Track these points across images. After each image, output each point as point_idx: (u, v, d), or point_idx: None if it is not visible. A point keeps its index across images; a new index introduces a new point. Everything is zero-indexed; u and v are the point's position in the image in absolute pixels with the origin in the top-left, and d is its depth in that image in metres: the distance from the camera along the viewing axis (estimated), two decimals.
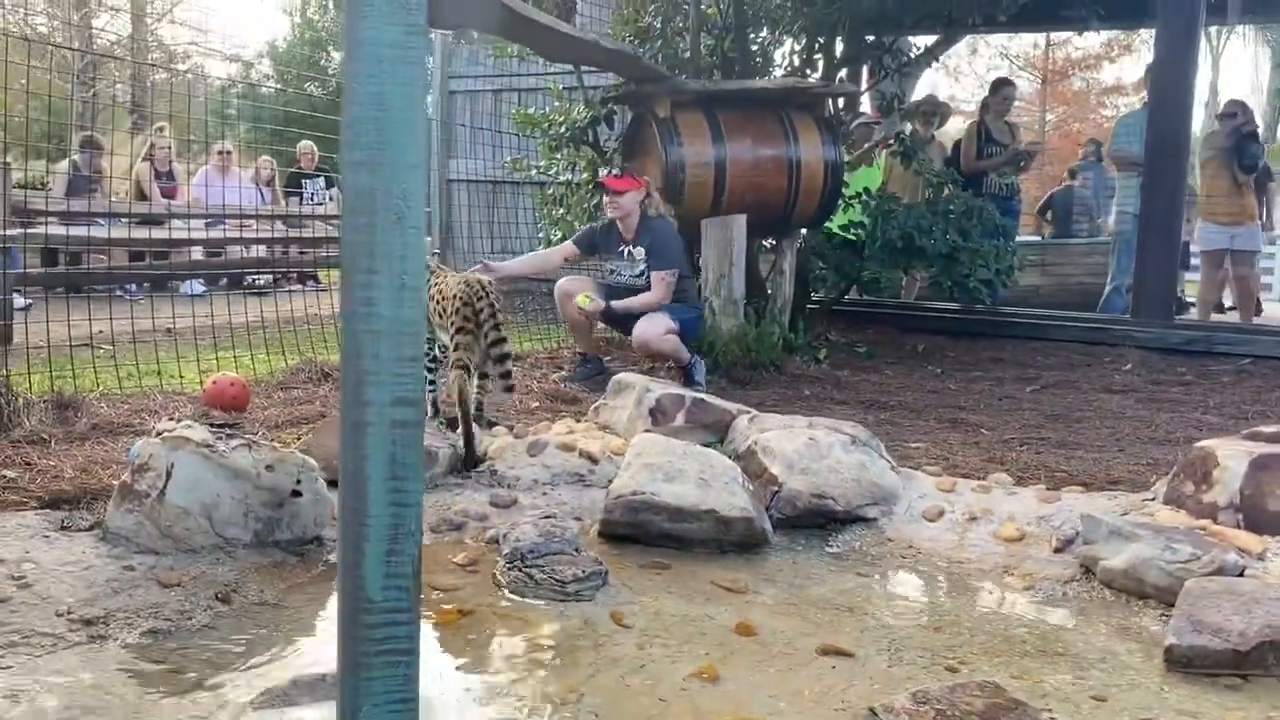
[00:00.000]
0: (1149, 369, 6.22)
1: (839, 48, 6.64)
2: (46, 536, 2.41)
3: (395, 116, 1.27)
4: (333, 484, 2.71)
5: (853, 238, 6.62)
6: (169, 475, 2.48)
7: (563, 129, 6.04)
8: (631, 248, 5.00)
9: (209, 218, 9.42)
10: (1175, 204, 6.93)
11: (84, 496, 2.62)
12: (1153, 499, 2.90)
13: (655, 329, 4.83)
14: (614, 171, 5.10)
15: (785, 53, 6.99)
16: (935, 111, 8.02)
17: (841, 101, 6.68)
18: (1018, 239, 12.98)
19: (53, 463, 2.91)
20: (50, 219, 8.27)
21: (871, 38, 6.70)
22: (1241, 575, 2.41)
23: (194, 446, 2.51)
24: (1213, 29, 23.53)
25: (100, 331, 5.74)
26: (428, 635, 2.26)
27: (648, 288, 4.95)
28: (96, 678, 1.93)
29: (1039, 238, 12.88)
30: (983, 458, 3.65)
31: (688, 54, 6.30)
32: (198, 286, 9.59)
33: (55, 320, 5.32)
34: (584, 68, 6.13)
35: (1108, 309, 8.06)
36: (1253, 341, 6.62)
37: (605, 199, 4.97)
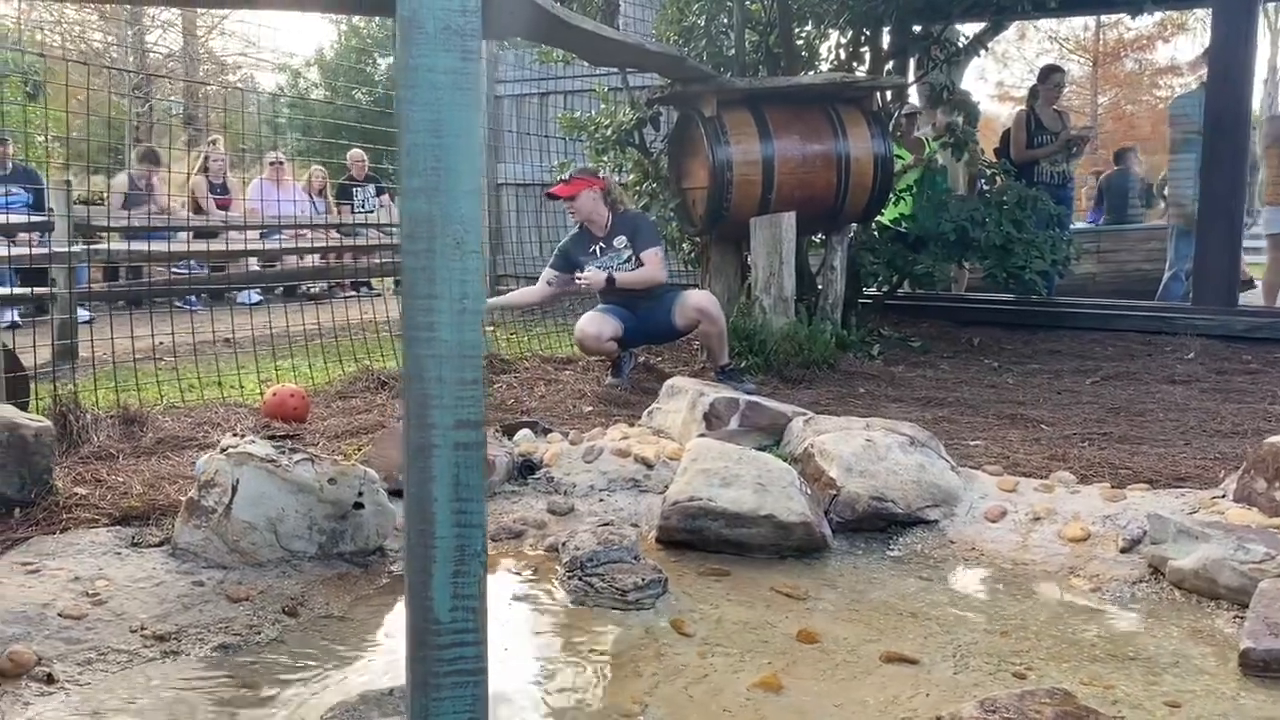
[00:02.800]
0: (1212, 358, 6.08)
1: (885, 40, 6.57)
2: (119, 553, 2.46)
3: (452, 143, 1.28)
4: (393, 494, 2.75)
5: (904, 231, 6.55)
6: (234, 490, 2.52)
7: (609, 132, 6.05)
8: (608, 242, 4.99)
9: (266, 229, 9.58)
10: (1235, 186, 6.77)
11: (153, 512, 2.67)
12: (1222, 496, 2.83)
13: (708, 296, 4.91)
14: (560, 179, 5.12)
15: (831, 46, 6.94)
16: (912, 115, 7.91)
17: (889, 94, 6.61)
18: (1073, 227, 12.84)
19: (121, 479, 2.97)
20: (112, 234, 8.45)
21: (918, 28, 6.62)
22: None
23: (258, 462, 2.55)
24: (1271, 5, 22.94)
25: (161, 343, 5.87)
26: (492, 646, 2.28)
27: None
28: (172, 694, 1.97)
29: (1093, 224, 12.65)
30: (1044, 455, 3.59)
31: (732, 51, 6.27)
32: (254, 296, 9.76)
33: (118, 335, 5.46)
34: (628, 69, 6.13)
35: (1166, 296, 7.90)
36: None
37: (566, 206, 4.99)
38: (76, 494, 2.77)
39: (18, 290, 6.23)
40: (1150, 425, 4.26)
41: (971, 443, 3.85)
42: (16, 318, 7.78)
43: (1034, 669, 2.18)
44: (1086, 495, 2.98)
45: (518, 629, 2.36)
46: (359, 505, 2.66)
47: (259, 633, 2.25)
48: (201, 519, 2.51)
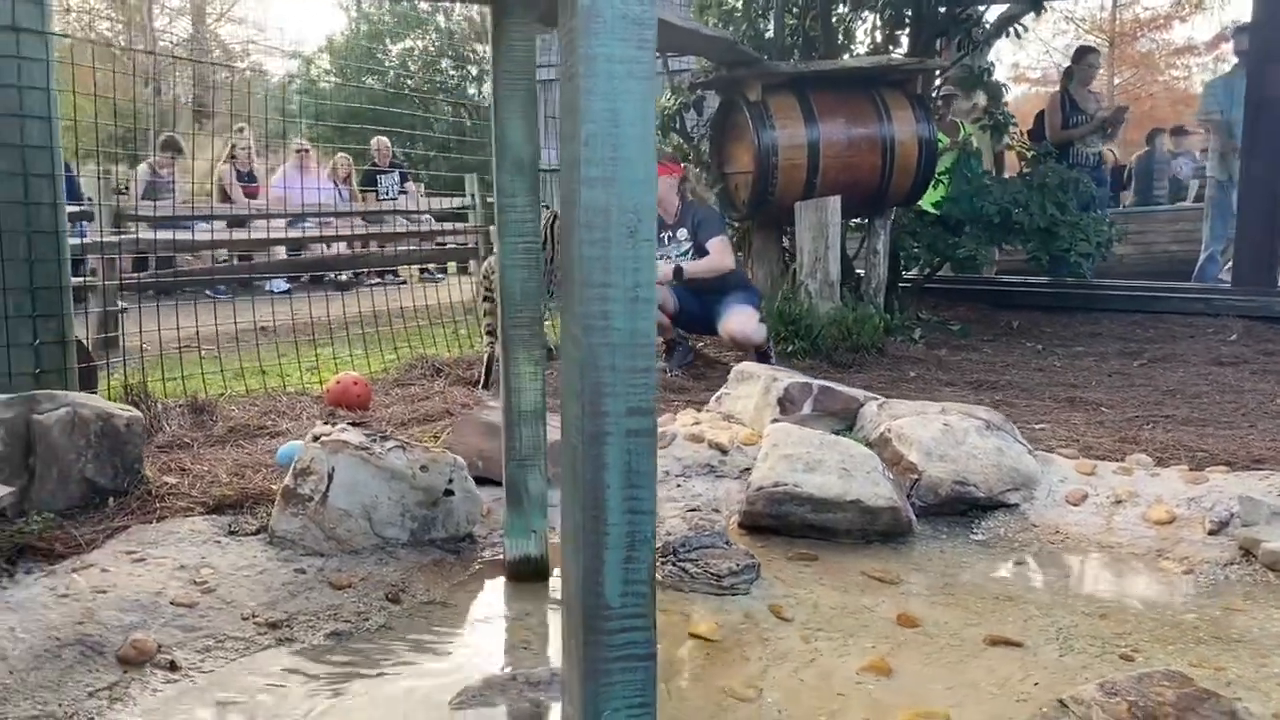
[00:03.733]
0: (1255, 339, 6.07)
1: (928, 20, 6.54)
2: (218, 541, 2.48)
3: (628, 132, 1.28)
4: (479, 481, 2.76)
5: (947, 213, 6.53)
6: (330, 478, 2.54)
7: None
8: (674, 231, 5.04)
9: (293, 216, 9.59)
10: (1276, 165, 6.73)
11: (245, 500, 2.69)
12: None
13: (750, 323, 4.88)
14: (662, 161, 5.12)
15: (868, 29, 6.92)
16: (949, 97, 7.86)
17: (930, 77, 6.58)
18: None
19: (205, 467, 2.99)
20: (140, 224, 8.46)
21: (957, 8, 6.59)
22: None
23: (352, 450, 2.57)
24: None
25: (195, 332, 5.89)
26: None
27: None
28: (294, 680, 1.99)
29: (1120, 206, 12.61)
30: (1114, 438, 3.59)
31: (769, 35, 6.25)
32: (282, 284, 9.78)
33: (154, 325, 5.47)
34: (670, 54, 6.12)
35: (1202, 278, 7.87)
36: None
37: None
38: (166, 483, 2.79)
39: None
40: (1210, 407, 4.26)
41: (1036, 426, 3.85)
42: None
43: (1140, 651, 2.18)
44: (1166, 478, 2.98)
45: None
46: (449, 492, 2.67)
47: (367, 619, 2.27)
48: (298, 507, 2.53)
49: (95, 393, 3.65)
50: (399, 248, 9.81)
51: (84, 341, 3.75)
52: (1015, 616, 2.37)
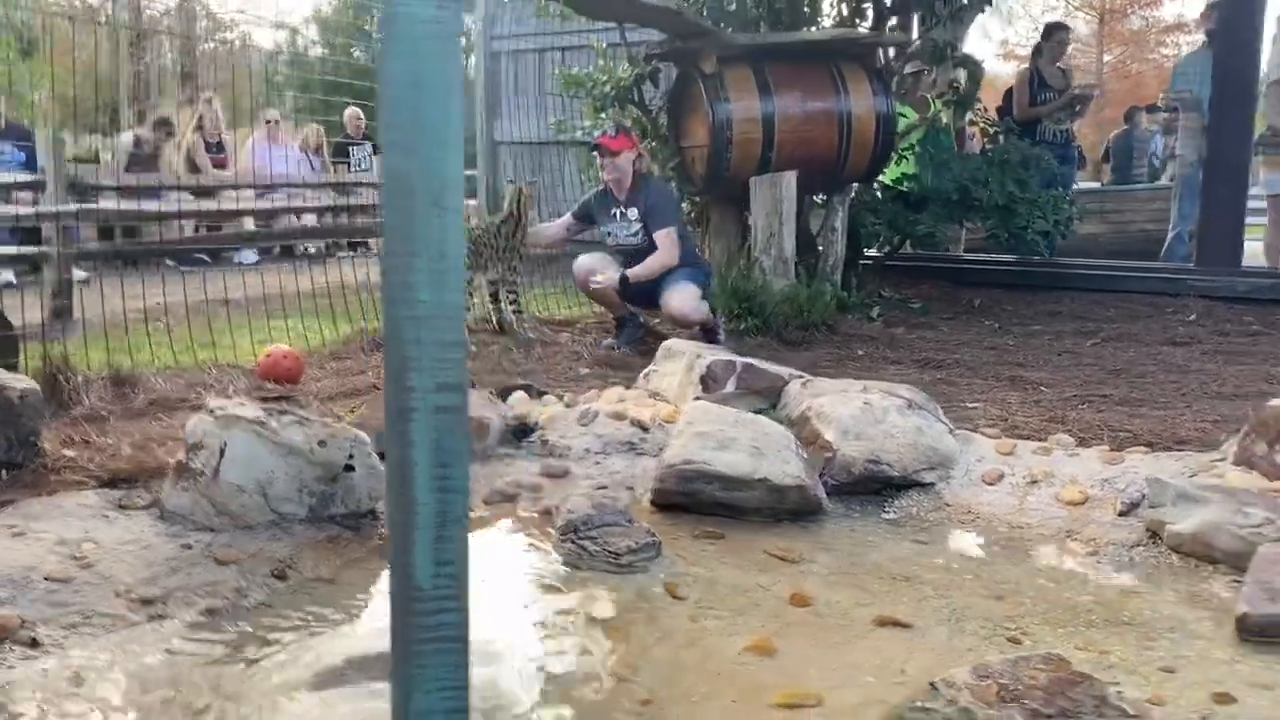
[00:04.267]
0: (1214, 319, 6.04)
1: None
2: (106, 516, 2.44)
3: (431, 96, 1.23)
4: (385, 457, 2.72)
5: (908, 189, 6.48)
6: (222, 453, 2.50)
7: (608, 88, 5.96)
8: (624, 209, 4.98)
9: (263, 188, 9.50)
10: (1243, 146, 6.69)
11: (141, 475, 2.65)
12: (1222, 459, 2.80)
13: (690, 301, 4.83)
14: (608, 131, 5.06)
15: (833, 2, 6.82)
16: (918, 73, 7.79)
17: (893, 52, 6.50)
18: (1078, 186, 12.73)
19: (110, 440, 2.95)
20: (107, 193, 8.37)
21: None
22: None
23: (246, 424, 2.52)
24: None
25: (157, 303, 5.82)
26: (484, 611, 2.26)
27: (644, 247, 4.93)
28: (156, 657, 1.95)
29: (1098, 184, 12.56)
30: (1043, 417, 3.56)
31: (733, 6, 6.17)
32: (251, 256, 9.70)
33: (115, 295, 5.40)
34: (627, 25, 6.03)
35: (1170, 257, 7.84)
36: None
37: (601, 161, 4.95)
38: (64, 456, 2.75)
39: (6, 250, 6.16)
40: (1151, 387, 4.23)
41: (970, 404, 3.82)
42: (12, 278, 7.73)
43: (1029, 634, 2.16)
44: (1085, 458, 2.95)
45: (510, 592, 2.34)
46: (349, 468, 2.63)
47: (247, 596, 2.23)
48: (189, 481, 2.49)
49: (15, 363, 3.60)
50: (370, 219, 9.74)
51: (2, 312, 3.69)
52: (910, 597, 2.35)
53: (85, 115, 10.60)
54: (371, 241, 10.67)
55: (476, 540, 2.60)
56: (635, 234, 5.02)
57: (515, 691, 1.93)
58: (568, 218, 5.33)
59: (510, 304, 5.17)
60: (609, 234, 5.13)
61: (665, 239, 4.92)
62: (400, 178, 1.24)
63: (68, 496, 2.51)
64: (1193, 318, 6.08)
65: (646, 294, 5.03)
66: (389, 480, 1.32)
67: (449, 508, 1.31)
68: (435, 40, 1.22)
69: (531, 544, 2.61)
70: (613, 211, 5.06)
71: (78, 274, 7.84)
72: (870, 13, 6.47)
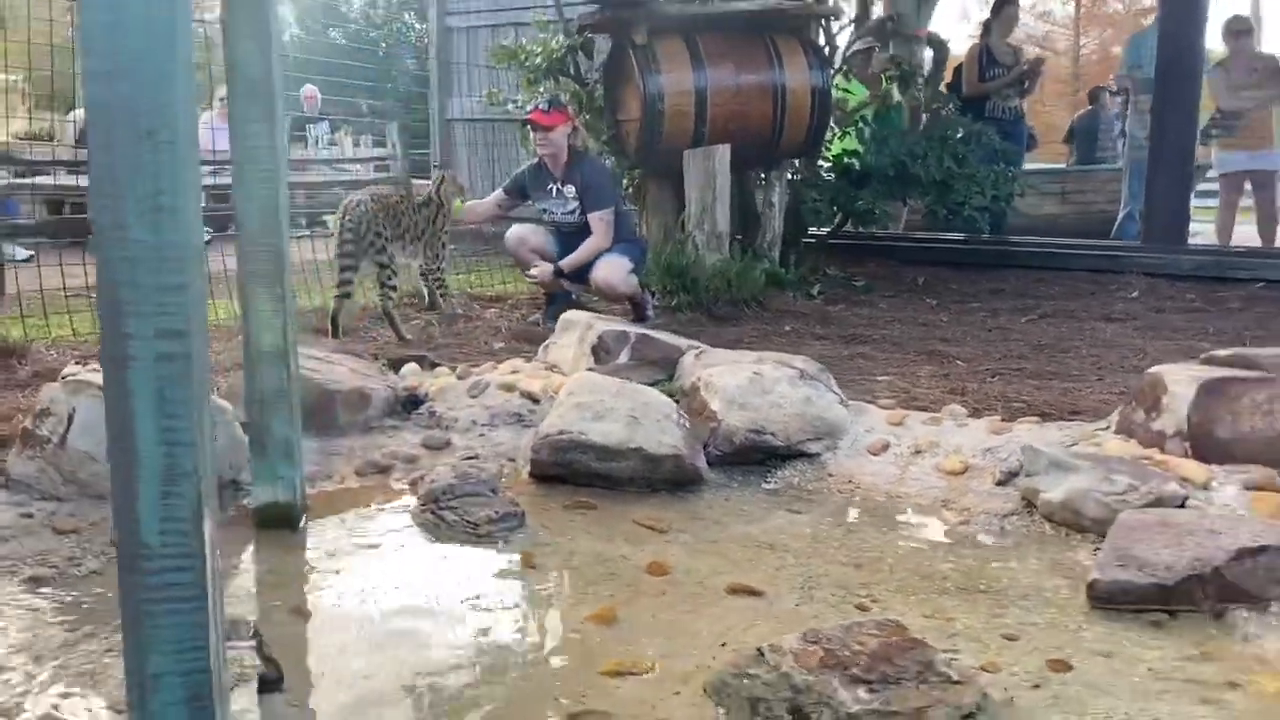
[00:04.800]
0: (1156, 296, 6.00)
1: None
2: None
3: (135, 18, 1.16)
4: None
5: (848, 165, 6.41)
6: (70, 420, 2.43)
7: (539, 60, 5.87)
8: (561, 185, 4.90)
9: (213, 165, 9.38)
10: (1187, 125, 6.66)
11: None
12: (1106, 428, 2.76)
13: (618, 272, 4.76)
14: (540, 106, 4.96)
15: None
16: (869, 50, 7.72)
17: (835, 27, 6.43)
18: (1038, 167, 12.67)
19: None
20: (57, 169, 8.24)
21: None
22: (1183, 506, 2.28)
23: (96, 389, 2.44)
24: None
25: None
26: (326, 580, 2.20)
27: (581, 225, 4.88)
28: None
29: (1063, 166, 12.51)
30: (946, 389, 3.51)
31: None
32: (205, 234, 9.58)
33: (53, 271, 5.29)
34: None
35: (1121, 235, 7.81)
36: (1268, 266, 6.36)
37: (535, 135, 4.86)
38: None
39: None
40: (1070, 361, 4.19)
41: (880, 377, 3.77)
42: None
43: (879, 601, 2.11)
44: (973, 428, 2.90)
45: (355, 564, 2.28)
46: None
47: (79, 565, 2.17)
48: (36, 449, 2.42)
49: None
50: (324, 196, 9.63)
51: None
52: (770, 565, 2.30)
53: (44, 94, 10.43)
54: (326, 218, 10.59)
55: (334, 512, 2.55)
56: (572, 211, 4.93)
57: (326, 666, 1.87)
58: (499, 193, 5.24)
59: (437, 286, 5.06)
60: (545, 210, 5.05)
61: (599, 223, 4.84)
62: (104, 109, 1.17)
63: None
64: (1134, 295, 6.04)
65: (580, 271, 4.96)
66: (108, 433, 1.25)
67: (176, 461, 1.25)
68: None
69: (391, 515, 2.55)
70: (549, 187, 4.97)
71: (19, 251, 7.73)
72: None
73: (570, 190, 4.92)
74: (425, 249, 4.91)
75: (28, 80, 9.61)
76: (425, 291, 5.12)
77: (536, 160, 5.04)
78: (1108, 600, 2.02)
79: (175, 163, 1.19)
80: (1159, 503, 2.27)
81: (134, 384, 1.22)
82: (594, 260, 4.84)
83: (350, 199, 4.66)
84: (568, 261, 4.86)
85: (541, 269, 4.91)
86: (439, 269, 5.04)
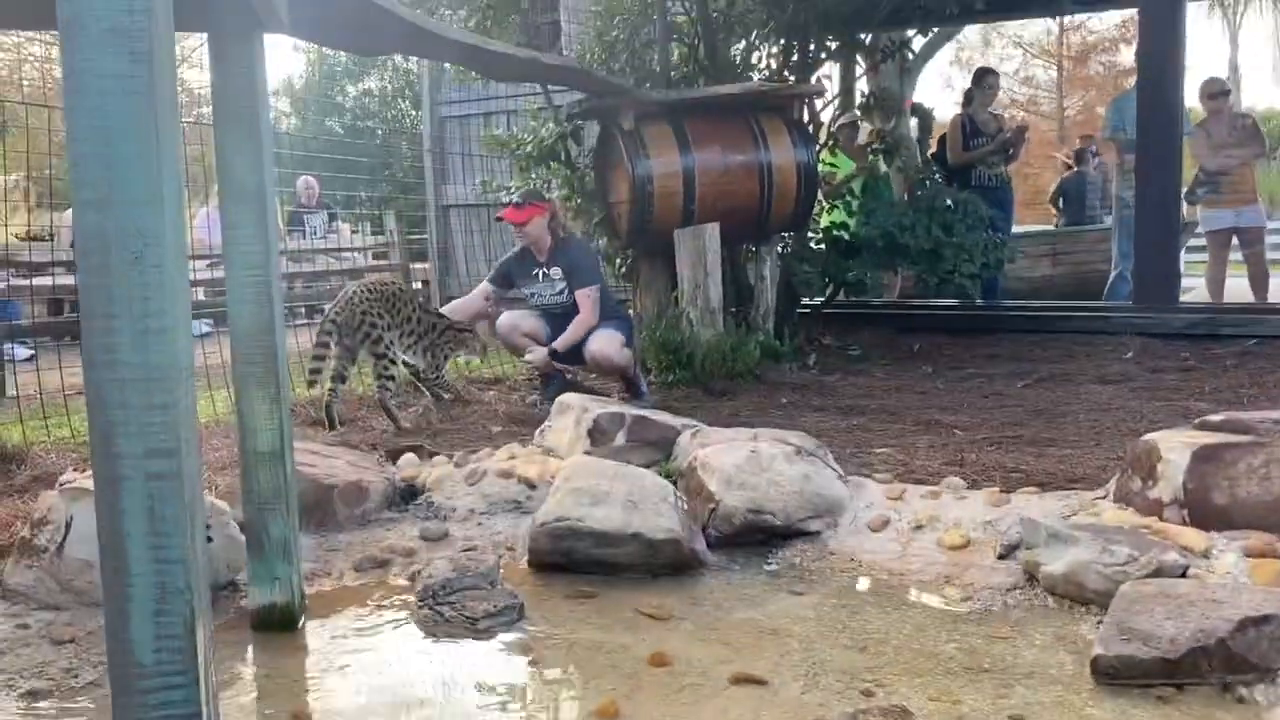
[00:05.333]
0: (1151, 356, 6.02)
1: (812, 48, 6.52)
2: None
3: (124, 150, 1.20)
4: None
5: (838, 237, 6.49)
6: (68, 528, 2.43)
7: (530, 148, 5.98)
8: (547, 269, 5.01)
9: (214, 259, 9.49)
10: (1171, 185, 6.74)
11: None
12: (1104, 497, 2.76)
13: (612, 344, 4.83)
14: (515, 200, 5.07)
15: (764, 57, 6.89)
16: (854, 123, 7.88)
17: (818, 103, 6.56)
18: (1029, 229, 12.80)
19: None
20: (57, 269, 8.34)
21: (833, 41, 6.59)
22: (1184, 576, 2.27)
23: (93, 497, 2.45)
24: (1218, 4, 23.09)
25: None
26: (326, 683, 2.18)
27: (570, 306, 4.97)
28: None
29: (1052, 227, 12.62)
30: (944, 460, 3.51)
31: (656, 65, 6.22)
32: (203, 327, 9.64)
33: (54, 370, 5.33)
34: (552, 86, 6.07)
35: (1113, 296, 7.85)
36: (1260, 322, 6.40)
37: (515, 230, 4.97)
38: None
39: None
40: (1067, 427, 4.19)
41: (878, 449, 3.77)
42: None
43: (885, 685, 2.09)
44: (972, 501, 2.90)
45: (355, 666, 2.26)
46: (206, 539, 2.55)
47: (77, 676, 2.15)
48: (33, 559, 2.41)
49: None
50: (323, 286, 9.72)
51: None
52: (774, 651, 2.27)
53: (44, 196, 10.60)
54: (326, 306, 10.69)
55: (332, 611, 2.54)
56: (560, 292, 5.02)
57: None
58: (485, 286, 5.27)
59: (435, 391, 4.93)
60: (533, 294, 5.12)
61: (586, 300, 4.93)
62: (94, 236, 1.19)
63: None
64: (1129, 355, 6.06)
65: (574, 351, 5.01)
66: (101, 552, 1.26)
67: (168, 579, 1.25)
68: (124, 96, 1.19)
69: (390, 612, 2.53)
70: (534, 272, 5.05)
71: (20, 351, 7.78)
72: (797, 66, 6.53)
73: (556, 272, 5.00)
74: (426, 354, 4.83)
75: (29, 180, 9.77)
76: (425, 391, 5.07)
77: (518, 248, 5.13)
78: (1113, 676, 2.00)
79: (163, 286, 1.22)
80: (1160, 572, 2.26)
81: (125, 503, 1.23)
82: (586, 337, 4.89)
83: (345, 289, 4.67)
84: (560, 341, 4.92)
85: (536, 353, 4.96)
86: (438, 378, 4.92)
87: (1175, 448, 2.52)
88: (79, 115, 1.18)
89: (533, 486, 3.15)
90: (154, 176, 1.21)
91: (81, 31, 1.17)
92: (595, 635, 2.39)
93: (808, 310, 6.79)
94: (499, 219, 5.09)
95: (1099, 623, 2.24)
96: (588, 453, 3.22)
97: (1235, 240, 7.77)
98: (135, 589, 1.24)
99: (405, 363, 4.82)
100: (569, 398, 3.55)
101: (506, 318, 5.14)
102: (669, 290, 5.94)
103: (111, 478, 1.22)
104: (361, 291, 4.55)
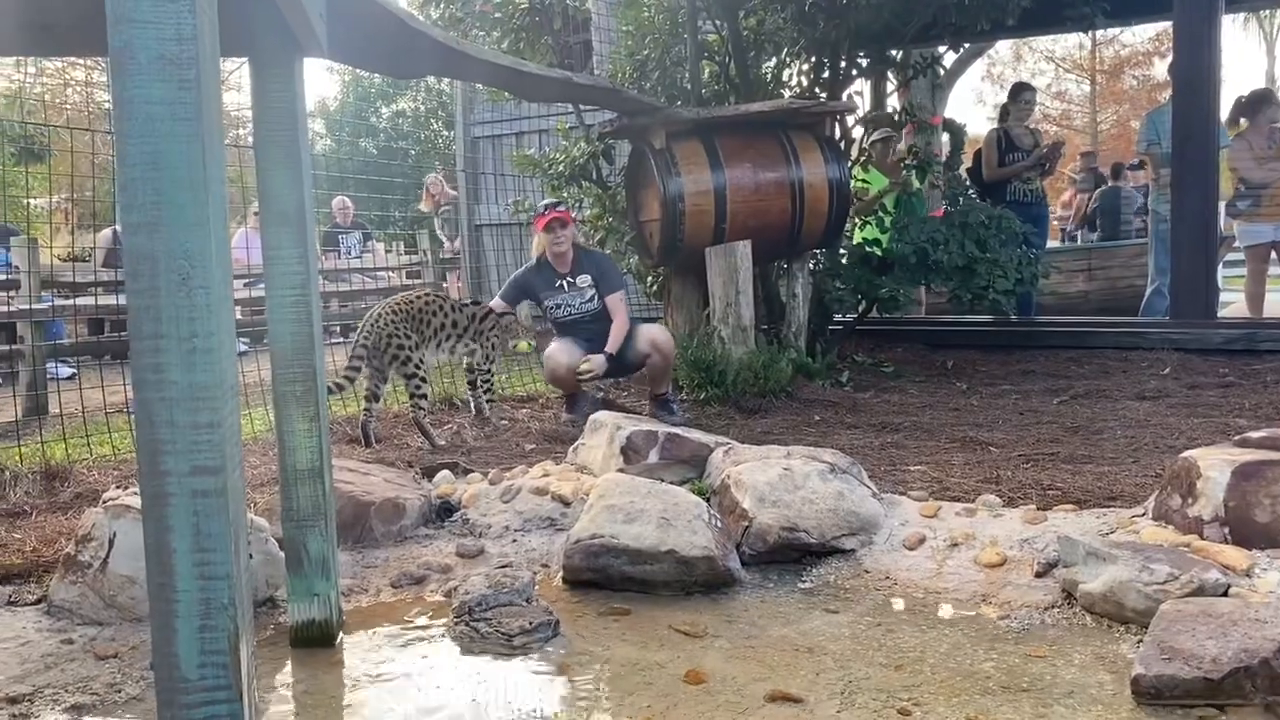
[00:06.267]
0: (1188, 371, 5.95)
1: (843, 65, 6.53)
2: None
3: (172, 175, 1.23)
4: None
5: (870, 253, 6.47)
6: (111, 544, 2.47)
7: (561, 167, 6.02)
8: (572, 278, 5.05)
9: (248, 278, 9.62)
10: (1208, 198, 6.67)
11: (35, 570, 2.62)
12: (1142, 514, 2.73)
13: (664, 332, 5.02)
14: (553, 205, 5.11)
15: (794, 74, 6.91)
16: (887, 139, 7.86)
17: (850, 119, 6.56)
18: (1065, 245, 12.71)
19: (19, 536, 2.92)
20: (97, 289, 8.48)
21: (863, 57, 6.59)
22: (1225, 595, 2.24)
23: (136, 514, 2.49)
24: (1260, 14, 22.86)
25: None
26: (364, 698, 2.20)
27: (598, 311, 5.02)
28: None
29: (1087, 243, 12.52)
30: (980, 478, 3.48)
31: (688, 83, 6.25)
32: (240, 345, 9.77)
33: (94, 389, 5.44)
34: (583, 106, 6.12)
35: (1149, 311, 7.76)
36: None
37: (550, 237, 4.95)
38: None
39: None
40: (1104, 444, 4.15)
41: (913, 467, 3.75)
42: None
43: (922, 704, 2.07)
44: (1008, 519, 2.88)
45: (392, 683, 2.28)
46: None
47: (120, 691, 2.18)
48: (77, 574, 2.45)
49: None
50: (358, 305, 9.83)
51: None
52: (809, 670, 2.27)
53: (86, 217, 10.80)
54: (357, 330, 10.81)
55: (370, 627, 2.56)
56: (590, 300, 5.03)
57: None
58: (496, 303, 5.19)
59: (485, 392, 5.00)
60: (559, 305, 5.09)
61: (620, 303, 5.02)
62: (144, 259, 1.22)
63: None
64: (1166, 371, 5.99)
65: (618, 361, 5.00)
66: (147, 567, 1.28)
67: (213, 595, 1.27)
68: (173, 122, 1.21)
69: (427, 629, 2.55)
70: (558, 284, 5.05)
71: (63, 369, 7.92)
72: (829, 82, 6.53)
73: (585, 280, 5.02)
74: (474, 345, 4.87)
75: (72, 202, 9.96)
76: (470, 399, 5.09)
77: (535, 262, 5.13)
78: (1154, 696, 1.98)
79: (210, 307, 1.25)
80: (1201, 591, 2.23)
81: (172, 520, 1.25)
82: (631, 334, 4.92)
83: (371, 310, 4.70)
84: (612, 343, 4.94)
85: (594, 360, 4.88)
86: (489, 372, 4.98)
87: (1215, 465, 2.49)
88: (129, 141, 1.21)
89: (566, 503, 3.16)
90: (201, 200, 1.23)
91: (132, 61, 1.20)
92: (630, 652, 2.39)
93: (839, 326, 6.77)
94: (546, 222, 4.99)
95: (1139, 642, 2.22)
96: (621, 470, 3.23)
97: (1275, 254, 7.66)
98: (181, 604, 1.26)
99: (465, 362, 4.98)
100: (602, 415, 3.56)
101: (551, 366, 5.00)
102: (700, 308, 5.95)
103: (158, 494, 1.24)
104: (387, 314, 4.58)
